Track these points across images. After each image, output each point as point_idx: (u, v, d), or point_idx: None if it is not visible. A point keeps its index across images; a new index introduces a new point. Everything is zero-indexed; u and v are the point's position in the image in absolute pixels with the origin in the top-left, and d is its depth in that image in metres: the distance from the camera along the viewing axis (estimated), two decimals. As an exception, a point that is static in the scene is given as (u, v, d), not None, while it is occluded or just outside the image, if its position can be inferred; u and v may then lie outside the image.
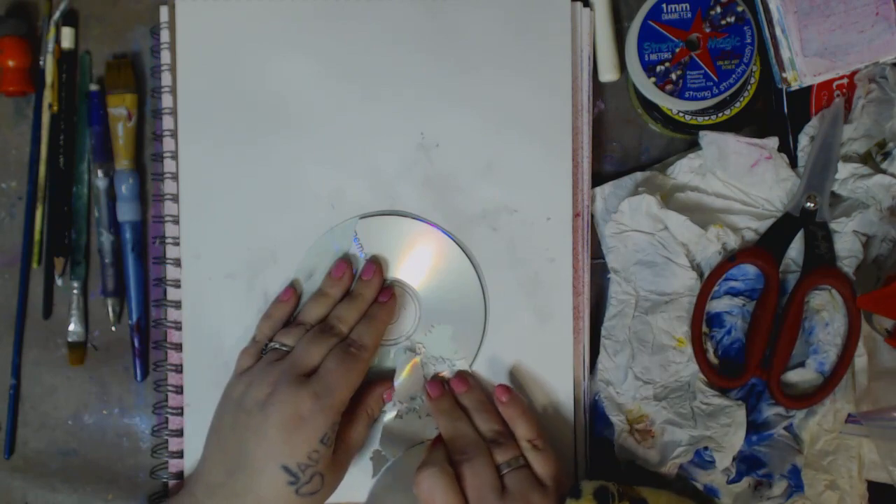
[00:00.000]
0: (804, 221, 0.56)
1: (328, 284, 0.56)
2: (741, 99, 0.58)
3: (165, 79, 0.58)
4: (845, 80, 0.58)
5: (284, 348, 0.54)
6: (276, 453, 0.50)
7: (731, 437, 0.55)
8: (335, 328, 0.54)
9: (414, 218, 0.58)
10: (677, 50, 0.55)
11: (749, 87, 0.58)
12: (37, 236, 0.59)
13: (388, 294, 0.56)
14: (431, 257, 0.57)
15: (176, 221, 0.58)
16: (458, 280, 0.58)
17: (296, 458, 0.50)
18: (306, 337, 0.54)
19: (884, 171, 0.55)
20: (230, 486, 0.51)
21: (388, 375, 0.57)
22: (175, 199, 0.58)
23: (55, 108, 0.59)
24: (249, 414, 0.51)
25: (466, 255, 0.57)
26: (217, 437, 0.53)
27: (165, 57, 0.58)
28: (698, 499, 0.56)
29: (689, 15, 0.55)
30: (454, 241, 0.58)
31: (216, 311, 0.58)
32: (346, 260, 0.57)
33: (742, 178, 0.57)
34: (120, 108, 0.58)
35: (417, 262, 0.58)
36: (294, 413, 0.50)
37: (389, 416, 0.57)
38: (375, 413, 0.57)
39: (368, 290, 0.56)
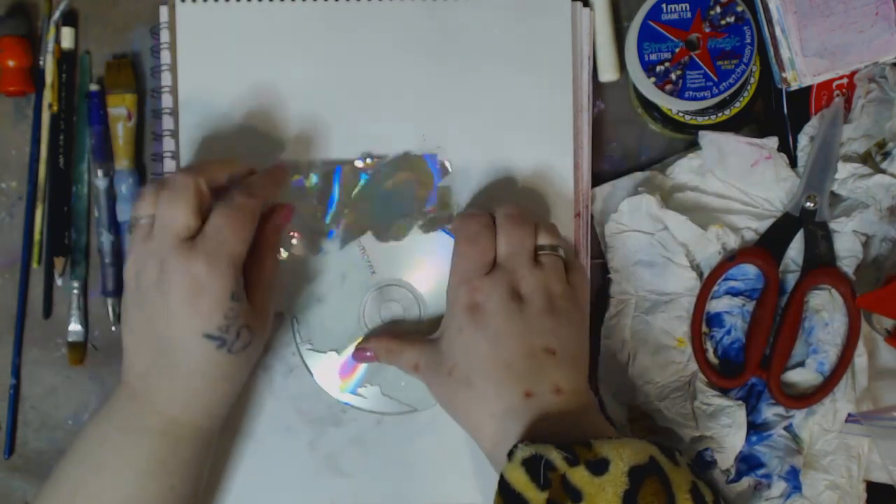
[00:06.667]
0: (804, 221, 0.56)
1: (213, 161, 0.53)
2: (741, 99, 0.58)
3: (165, 79, 0.58)
4: (845, 80, 0.58)
5: (144, 220, 0.50)
6: (192, 326, 0.48)
7: (731, 437, 0.55)
8: (188, 174, 0.49)
9: None
10: (677, 50, 0.55)
11: (749, 87, 0.58)
12: (37, 236, 0.59)
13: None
14: (435, 260, 0.57)
15: (176, 221, 0.58)
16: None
17: (213, 323, 0.48)
18: (162, 197, 0.49)
19: (883, 171, 0.55)
20: (159, 366, 0.49)
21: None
22: (175, 199, 0.58)
23: (55, 108, 0.59)
24: (147, 297, 0.49)
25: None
26: (129, 329, 0.51)
27: (165, 57, 0.58)
28: (667, 441, 0.55)
29: (689, 15, 0.55)
30: None
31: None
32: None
33: (742, 178, 0.57)
34: (120, 108, 0.58)
35: (421, 265, 0.57)
36: (191, 283, 0.47)
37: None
38: (278, 242, 0.54)
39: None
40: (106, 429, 0.51)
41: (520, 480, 0.44)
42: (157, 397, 0.50)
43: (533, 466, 0.44)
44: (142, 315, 0.50)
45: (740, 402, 0.56)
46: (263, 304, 0.52)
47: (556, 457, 0.44)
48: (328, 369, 0.57)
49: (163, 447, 0.50)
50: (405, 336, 0.55)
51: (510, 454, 0.45)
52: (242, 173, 0.53)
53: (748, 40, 0.55)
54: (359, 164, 0.57)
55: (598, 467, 0.44)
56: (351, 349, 0.57)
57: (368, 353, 0.55)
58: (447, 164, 0.57)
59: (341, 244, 0.57)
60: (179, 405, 0.50)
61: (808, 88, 0.58)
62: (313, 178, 0.56)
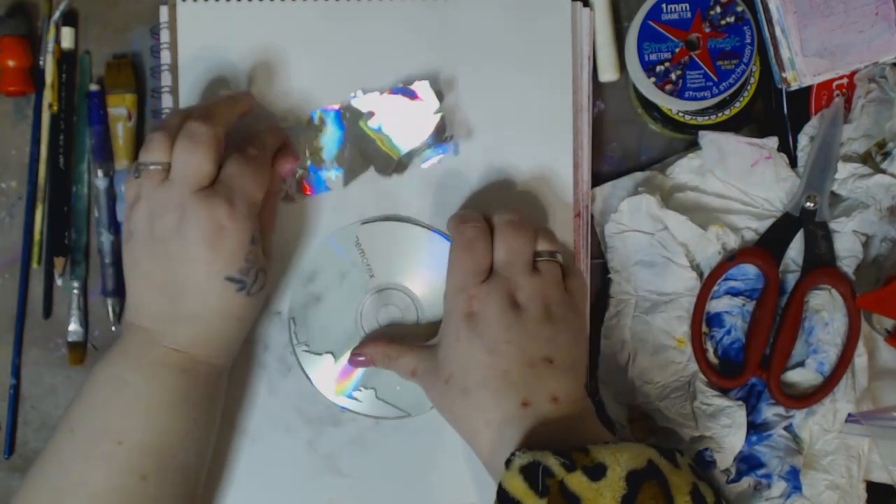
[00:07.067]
0: (804, 221, 0.56)
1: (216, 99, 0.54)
2: (741, 99, 0.58)
3: (165, 79, 0.58)
4: (845, 80, 0.58)
5: (155, 167, 0.50)
6: (214, 270, 0.49)
7: (731, 437, 0.55)
8: (205, 124, 0.49)
9: (415, 224, 0.57)
10: (677, 50, 0.55)
11: (749, 87, 0.58)
12: (37, 236, 0.59)
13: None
14: (434, 265, 0.57)
15: (176, 221, 0.58)
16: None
17: (235, 265, 0.49)
18: (181, 147, 0.49)
19: (883, 171, 0.56)
20: (179, 310, 0.50)
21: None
22: (175, 198, 0.58)
23: (55, 108, 0.59)
24: (166, 241, 0.49)
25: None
26: (138, 272, 0.51)
27: (165, 57, 0.58)
28: (667, 441, 0.55)
29: (689, 15, 0.55)
30: None
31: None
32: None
33: (742, 178, 0.57)
34: (120, 108, 0.58)
35: (419, 268, 0.57)
36: (214, 228, 0.48)
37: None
38: (280, 189, 0.56)
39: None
40: (123, 373, 0.51)
41: (518, 488, 0.44)
42: (178, 338, 0.50)
43: (531, 474, 0.44)
44: (157, 261, 0.50)
45: (740, 403, 0.56)
46: (269, 249, 0.54)
47: (553, 463, 0.44)
48: (324, 372, 0.57)
49: (185, 383, 0.50)
50: (402, 341, 0.55)
51: (508, 462, 0.45)
52: (249, 109, 0.55)
53: (748, 40, 0.55)
54: (356, 99, 0.57)
55: (596, 472, 0.44)
56: (348, 354, 0.57)
57: (362, 359, 0.55)
58: (441, 91, 0.57)
59: (345, 181, 0.57)
60: (199, 345, 0.51)
61: (808, 88, 0.58)
62: (311, 117, 0.57)
